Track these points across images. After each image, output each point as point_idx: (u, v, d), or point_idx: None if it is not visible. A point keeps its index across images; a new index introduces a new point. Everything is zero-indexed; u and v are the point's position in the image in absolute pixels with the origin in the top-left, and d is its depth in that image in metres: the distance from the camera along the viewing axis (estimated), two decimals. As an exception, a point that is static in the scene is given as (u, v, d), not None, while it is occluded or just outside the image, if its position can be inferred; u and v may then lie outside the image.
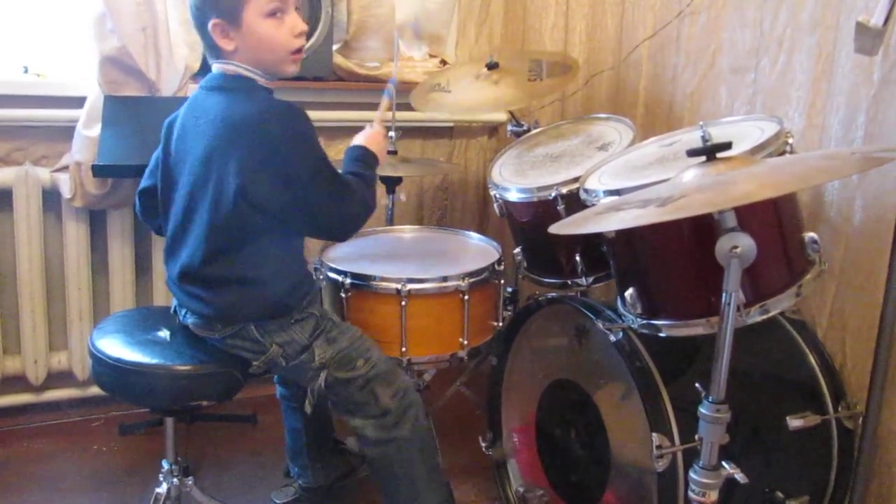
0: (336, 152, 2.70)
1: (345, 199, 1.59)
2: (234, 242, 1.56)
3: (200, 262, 1.58)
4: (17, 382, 2.42)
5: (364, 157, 1.73)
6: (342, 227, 1.65)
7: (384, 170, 2.25)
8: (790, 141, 1.42)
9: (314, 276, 1.89)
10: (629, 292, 1.47)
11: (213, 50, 1.58)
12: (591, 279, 1.82)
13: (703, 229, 1.30)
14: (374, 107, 2.67)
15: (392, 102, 2.02)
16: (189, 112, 1.63)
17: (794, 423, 1.48)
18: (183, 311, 1.69)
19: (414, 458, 1.72)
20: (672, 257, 1.43)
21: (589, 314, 1.63)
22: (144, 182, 1.78)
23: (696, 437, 1.24)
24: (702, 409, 1.22)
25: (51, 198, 2.33)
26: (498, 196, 1.94)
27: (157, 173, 1.70)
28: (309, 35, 2.45)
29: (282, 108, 1.53)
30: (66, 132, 2.29)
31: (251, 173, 1.49)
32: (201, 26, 1.55)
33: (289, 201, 1.52)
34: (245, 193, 1.50)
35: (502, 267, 1.93)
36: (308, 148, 1.54)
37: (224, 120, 1.52)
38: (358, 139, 1.80)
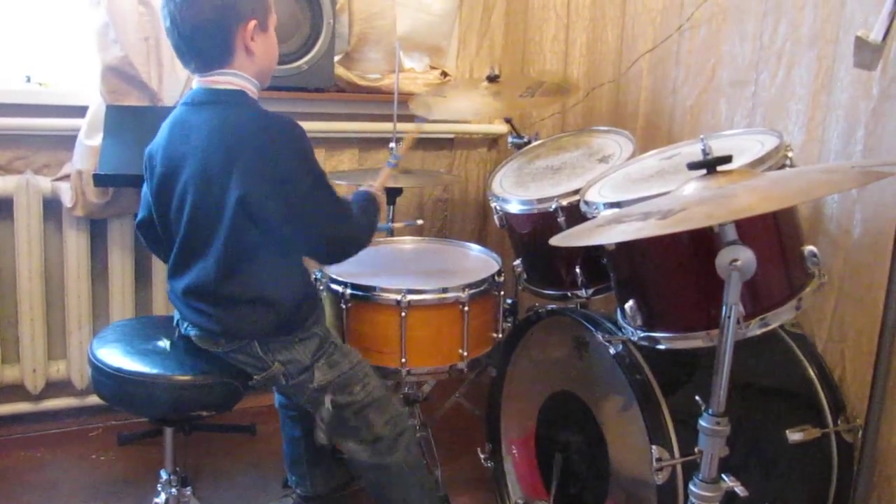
0: (337, 163, 2.71)
1: (342, 219, 1.59)
2: (242, 260, 1.55)
3: (209, 281, 1.57)
4: (16, 391, 2.42)
5: (374, 201, 1.77)
6: (336, 248, 1.62)
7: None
8: (790, 154, 1.43)
9: (318, 292, 1.89)
10: (629, 304, 1.47)
11: (225, 56, 1.53)
12: (591, 291, 1.82)
13: (703, 242, 1.31)
14: (374, 118, 2.71)
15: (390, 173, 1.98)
16: (174, 131, 1.59)
17: (794, 436, 1.48)
18: (185, 324, 1.69)
19: (408, 481, 1.74)
20: (672, 270, 1.43)
21: (589, 326, 1.63)
22: (141, 213, 1.75)
23: (696, 449, 1.24)
24: (702, 422, 1.22)
25: (52, 207, 2.33)
26: (498, 208, 1.94)
27: (150, 201, 1.68)
28: (310, 46, 2.46)
29: (283, 120, 1.51)
30: (67, 141, 2.30)
31: (251, 183, 1.47)
32: (227, 28, 1.50)
33: (286, 214, 1.50)
34: (245, 205, 1.48)
35: (502, 278, 1.94)
36: (308, 162, 1.53)
37: (222, 131, 1.50)
38: (371, 187, 1.82)
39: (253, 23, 1.53)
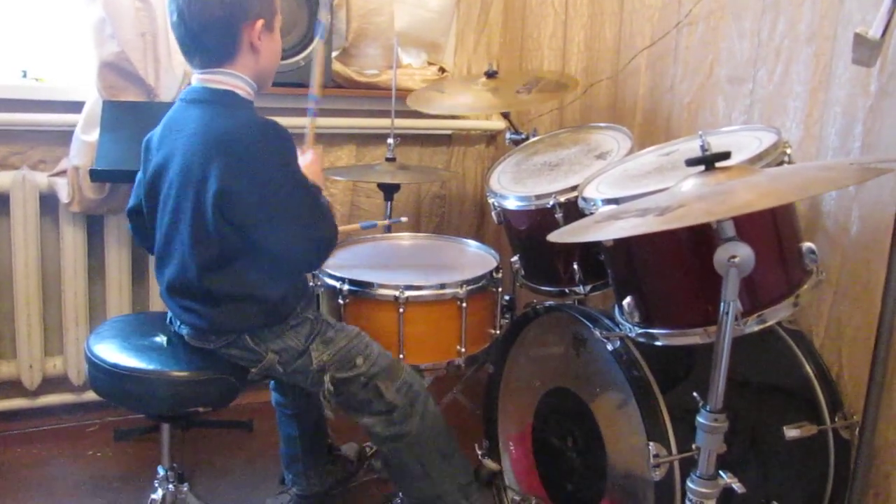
0: (335, 159, 2.71)
1: (320, 222, 1.57)
2: (220, 258, 1.54)
3: (188, 277, 1.57)
4: (12, 387, 2.42)
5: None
6: (313, 251, 1.60)
7: (382, 177, 2.26)
8: (788, 151, 1.43)
9: (309, 282, 1.88)
10: (627, 301, 1.47)
11: (230, 54, 1.53)
12: (588, 287, 1.82)
13: (701, 239, 1.31)
14: (372, 114, 2.70)
15: (314, 121, 1.92)
16: (168, 126, 1.60)
17: (791, 432, 1.47)
18: (177, 323, 1.69)
19: (427, 449, 1.71)
20: (670, 266, 1.43)
21: (586, 322, 1.63)
22: (131, 201, 1.76)
23: (694, 446, 1.24)
24: (699, 419, 1.22)
25: (48, 202, 2.33)
26: (496, 204, 1.94)
27: (141, 191, 1.68)
28: (308, 42, 2.46)
29: (263, 124, 1.50)
30: (64, 137, 2.29)
31: (228, 187, 1.46)
32: (234, 25, 1.50)
33: (263, 218, 1.50)
34: (222, 201, 1.47)
35: (500, 275, 1.94)
36: (286, 165, 1.51)
37: (203, 133, 1.50)
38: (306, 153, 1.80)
39: (261, 22, 1.53)
